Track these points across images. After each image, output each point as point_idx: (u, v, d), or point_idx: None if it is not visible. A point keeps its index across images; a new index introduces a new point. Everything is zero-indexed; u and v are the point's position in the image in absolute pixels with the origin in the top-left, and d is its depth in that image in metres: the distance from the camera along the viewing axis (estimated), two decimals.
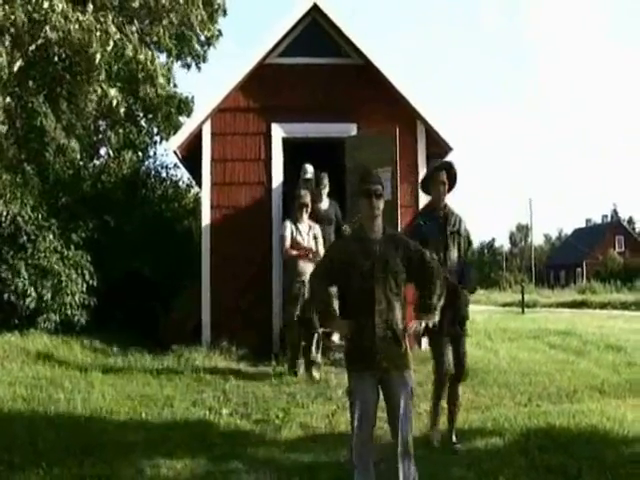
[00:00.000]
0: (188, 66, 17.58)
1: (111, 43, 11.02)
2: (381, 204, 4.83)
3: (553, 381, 9.21)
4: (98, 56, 11.02)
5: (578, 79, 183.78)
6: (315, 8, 11.36)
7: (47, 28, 10.14)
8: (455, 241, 6.39)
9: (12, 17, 9.94)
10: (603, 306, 31.71)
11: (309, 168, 10.88)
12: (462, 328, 6.36)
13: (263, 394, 8.26)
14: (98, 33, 10.66)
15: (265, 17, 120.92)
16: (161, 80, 13.19)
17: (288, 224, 9.66)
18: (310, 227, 9.71)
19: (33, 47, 10.97)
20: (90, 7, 10.96)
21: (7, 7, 9.98)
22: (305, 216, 9.68)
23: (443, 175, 6.44)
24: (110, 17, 10.96)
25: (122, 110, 13.40)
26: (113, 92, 12.43)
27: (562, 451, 6.01)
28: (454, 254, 6.35)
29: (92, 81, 12.84)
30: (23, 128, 14.28)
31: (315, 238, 9.65)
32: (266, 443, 6.15)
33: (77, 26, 10.32)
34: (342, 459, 5.53)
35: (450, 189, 6.53)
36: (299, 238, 9.57)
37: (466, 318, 6.45)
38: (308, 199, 9.69)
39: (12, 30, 10.12)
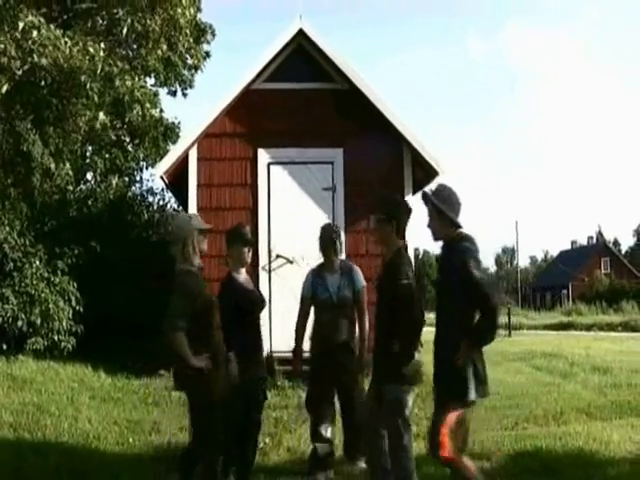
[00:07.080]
0: (174, 93, 17.67)
1: (99, 67, 11.09)
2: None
3: (539, 404, 9.25)
4: (83, 77, 11.08)
5: (562, 102, 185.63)
6: (301, 33, 11.45)
7: (35, 55, 10.18)
8: None
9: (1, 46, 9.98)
10: (589, 328, 31.81)
11: None
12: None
13: None
14: (87, 57, 10.73)
15: (253, 41, 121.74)
16: (148, 104, 13.24)
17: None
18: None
19: (20, 72, 11.01)
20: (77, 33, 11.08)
21: None
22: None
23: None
24: (101, 45, 11.03)
25: (111, 133, 13.46)
26: (102, 115, 12.49)
27: (549, 473, 6.05)
28: None
29: (80, 105, 12.89)
30: (9, 152, 14.25)
31: None
32: (254, 468, 6.13)
33: (67, 51, 10.38)
34: None
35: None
36: None
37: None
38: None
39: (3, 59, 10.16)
